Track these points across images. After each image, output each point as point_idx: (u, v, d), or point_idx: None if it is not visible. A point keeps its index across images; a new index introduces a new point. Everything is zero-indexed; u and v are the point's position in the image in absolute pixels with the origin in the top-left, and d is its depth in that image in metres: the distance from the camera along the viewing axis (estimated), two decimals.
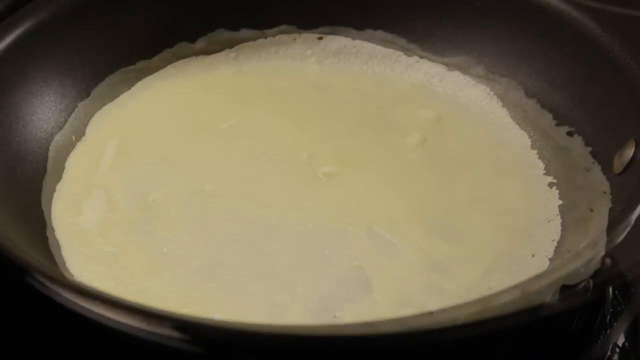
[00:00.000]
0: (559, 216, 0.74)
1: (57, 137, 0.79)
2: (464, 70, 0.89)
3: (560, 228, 0.73)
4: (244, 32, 0.90)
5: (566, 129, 0.82)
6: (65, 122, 0.81)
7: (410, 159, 0.78)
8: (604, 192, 0.76)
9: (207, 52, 0.88)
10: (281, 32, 0.90)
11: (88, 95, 0.83)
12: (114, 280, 0.67)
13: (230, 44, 0.89)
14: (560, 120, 0.83)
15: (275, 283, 0.67)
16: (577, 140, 0.81)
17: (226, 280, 0.67)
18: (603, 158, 0.79)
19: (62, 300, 0.58)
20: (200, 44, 0.88)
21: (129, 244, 0.70)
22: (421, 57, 0.90)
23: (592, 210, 0.75)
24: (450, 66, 0.89)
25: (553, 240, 0.72)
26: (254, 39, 0.90)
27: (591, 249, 0.72)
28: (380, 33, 0.92)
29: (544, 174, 0.78)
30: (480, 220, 0.73)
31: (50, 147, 0.78)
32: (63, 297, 0.58)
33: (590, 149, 0.80)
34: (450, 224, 0.72)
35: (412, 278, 0.68)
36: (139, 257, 0.69)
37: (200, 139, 0.80)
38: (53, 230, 0.72)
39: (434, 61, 0.89)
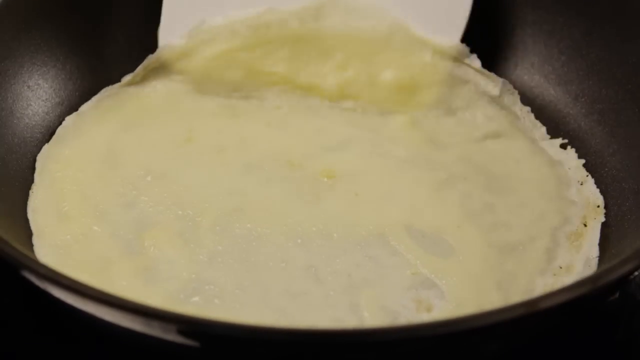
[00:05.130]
0: (552, 231, 0.73)
1: (45, 148, 0.79)
2: None
3: (553, 243, 0.72)
4: None
5: (559, 141, 0.82)
6: (53, 133, 0.80)
7: (401, 172, 0.77)
8: (598, 206, 0.76)
9: None
10: None
11: (76, 109, 0.83)
12: None
13: None
14: (553, 134, 0.83)
15: (263, 299, 0.66)
16: (571, 153, 0.81)
17: (212, 296, 0.66)
18: (597, 171, 0.79)
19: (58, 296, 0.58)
20: None
21: (114, 257, 0.69)
22: None
23: (585, 225, 0.74)
24: None
25: (546, 256, 0.71)
26: None
27: (584, 264, 0.71)
28: None
29: (537, 187, 0.77)
30: (471, 234, 0.72)
31: (38, 158, 0.78)
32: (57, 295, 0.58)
33: (583, 161, 0.80)
34: (440, 239, 0.71)
35: (400, 294, 0.67)
36: (125, 270, 0.68)
37: (188, 150, 0.79)
38: (39, 239, 0.71)
39: None
